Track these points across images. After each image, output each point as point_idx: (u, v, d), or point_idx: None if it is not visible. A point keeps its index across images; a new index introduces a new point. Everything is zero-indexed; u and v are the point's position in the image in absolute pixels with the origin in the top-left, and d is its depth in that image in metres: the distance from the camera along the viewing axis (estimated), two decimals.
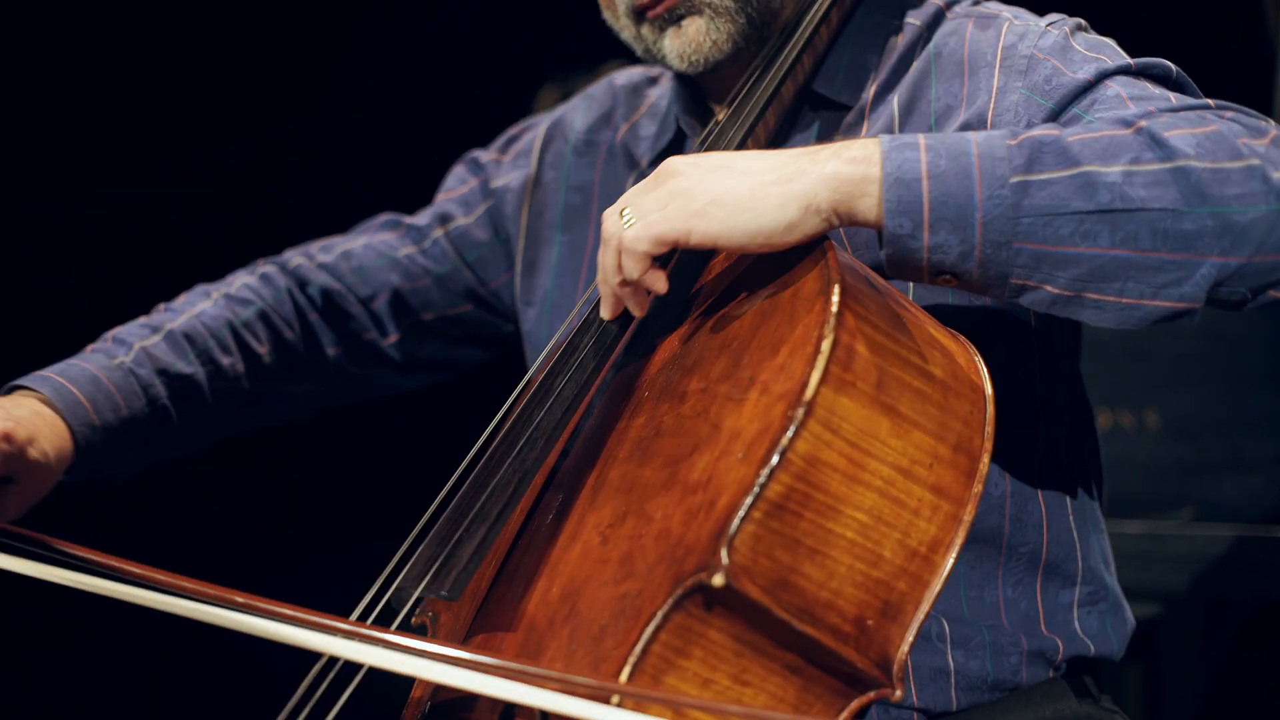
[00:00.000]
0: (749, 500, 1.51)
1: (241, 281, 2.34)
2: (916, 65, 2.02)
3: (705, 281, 1.83)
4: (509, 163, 2.40)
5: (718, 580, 1.49)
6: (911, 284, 1.89)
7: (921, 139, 1.64)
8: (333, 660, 1.65)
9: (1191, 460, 2.94)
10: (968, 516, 1.64)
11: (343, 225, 2.49)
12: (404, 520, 1.75)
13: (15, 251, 3.83)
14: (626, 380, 1.82)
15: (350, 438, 3.74)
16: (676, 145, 2.19)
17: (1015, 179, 1.60)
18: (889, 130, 1.99)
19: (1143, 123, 1.65)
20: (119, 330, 2.23)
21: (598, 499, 1.69)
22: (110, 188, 3.89)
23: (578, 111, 2.40)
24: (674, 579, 1.51)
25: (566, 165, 2.34)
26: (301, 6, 4.07)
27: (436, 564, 1.64)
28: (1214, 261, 1.61)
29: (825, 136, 2.04)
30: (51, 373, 2.09)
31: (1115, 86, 1.82)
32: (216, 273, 2.40)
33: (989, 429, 1.69)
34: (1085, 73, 1.85)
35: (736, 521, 1.50)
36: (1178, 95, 1.81)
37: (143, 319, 2.25)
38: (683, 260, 1.88)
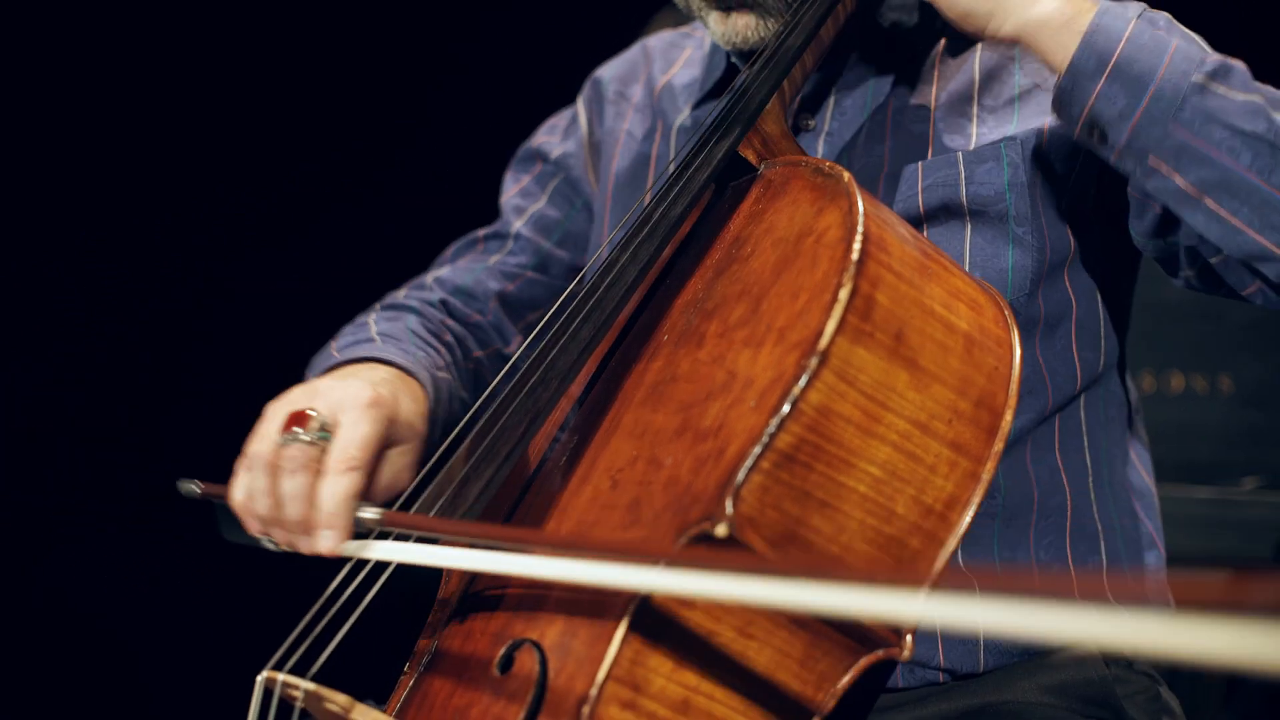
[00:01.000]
0: (757, 450, 1.48)
1: (405, 322, 2.23)
2: None
3: (735, 220, 1.79)
4: (558, 140, 2.40)
5: (721, 530, 1.46)
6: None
7: (1136, 16, 1.78)
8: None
9: (1264, 427, 2.86)
10: (987, 475, 1.60)
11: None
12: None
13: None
14: (651, 320, 1.79)
15: None
16: (726, 79, 2.15)
17: (1198, 78, 1.72)
18: (966, 88, 1.99)
19: None
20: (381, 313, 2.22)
21: (611, 442, 1.67)
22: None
23: (611, 67, 2.40)
24: (679, 528, 1.49)
25: (604, 120, 2.33)
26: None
27: (442, 500, 1.63)
28: None
29: (898, 84, 2.01)
30: (394, 350, 2.05)
31: None
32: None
33: (1014, 386, 1.64)
34: None
35: (744, 471, 1.47)
36: None
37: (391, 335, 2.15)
38: (715, 199, 1.86)
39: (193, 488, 1.80)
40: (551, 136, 2.42)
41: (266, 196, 3.98)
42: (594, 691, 1.47)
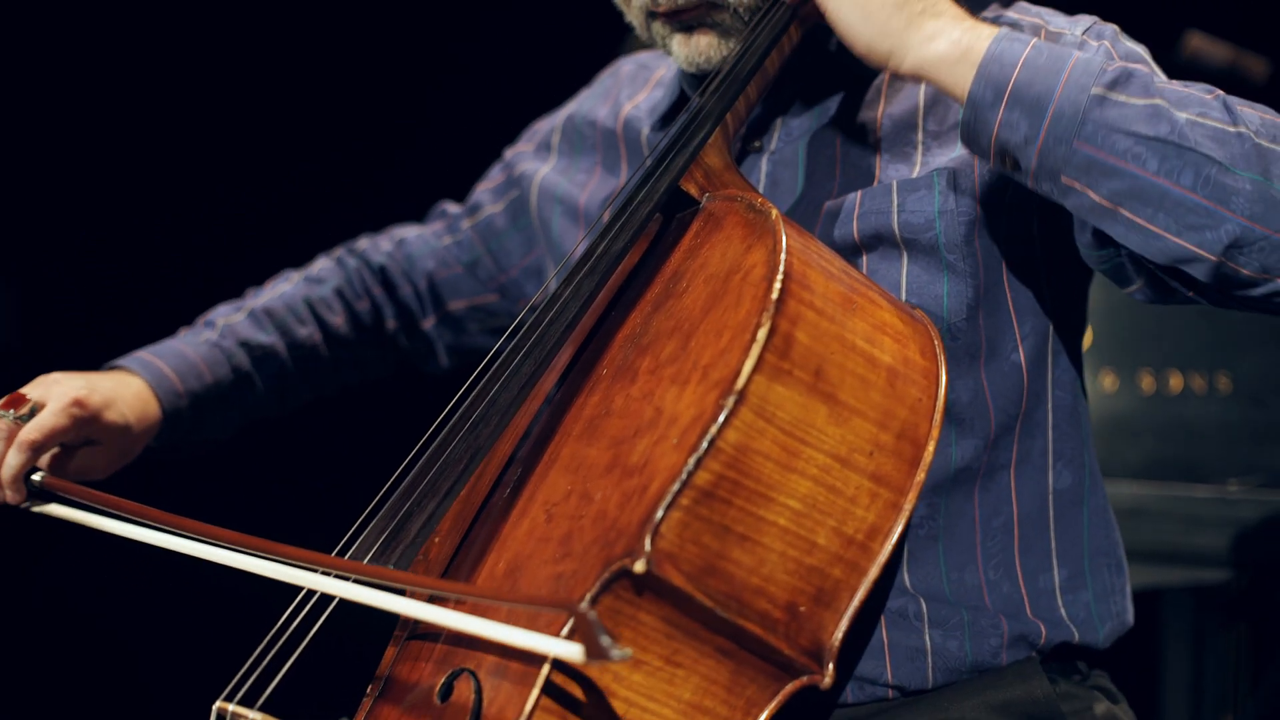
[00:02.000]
0: (676, 487, 1.53)
1: (320, 265, 2.56)
2: None
3: (675, 255, 1.84)
4: (530, 152, 2.48)
5: (639, 567, 1.52)
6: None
7: (1033, 41, 1.78)
8: (310, 594, 1.77)
9: (1263, 425, 2.83)
10: (909, 504, 1.65)
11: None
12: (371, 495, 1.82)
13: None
14: (594, 353, 1.84)
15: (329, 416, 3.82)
16: (677, 107, 2.20)
17: (1096, 91, 1.72)
18: (910, 115, 2.00)
19: (1219, 93, 1.77)
20: (207, 313, 2.48)
21: (549, 476, 1.73)
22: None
23: (587, 100, 2.45)
24: (604, 562, 1.55)
25: (576, 152, 2.39)
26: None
27: (384, 536, 1.70)
28: (1241, 221, 1.68)
29: (843, 107, 2.03)
30: (141, 351, 2.34)
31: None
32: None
33: (938, 416, 1.68)
34: None
35: (663, 509, 1.53)
36: None
37: (232, 301, 2.49)
38: (663, 229, 1.90)
39: None
40: (528, 146, 2.50)
41: (266, 196, 4.02)
42: None
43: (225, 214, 4.01)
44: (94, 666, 3.94)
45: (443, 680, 1.65)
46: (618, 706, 1.57)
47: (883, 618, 1.87)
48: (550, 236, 2.34)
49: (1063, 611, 1.94)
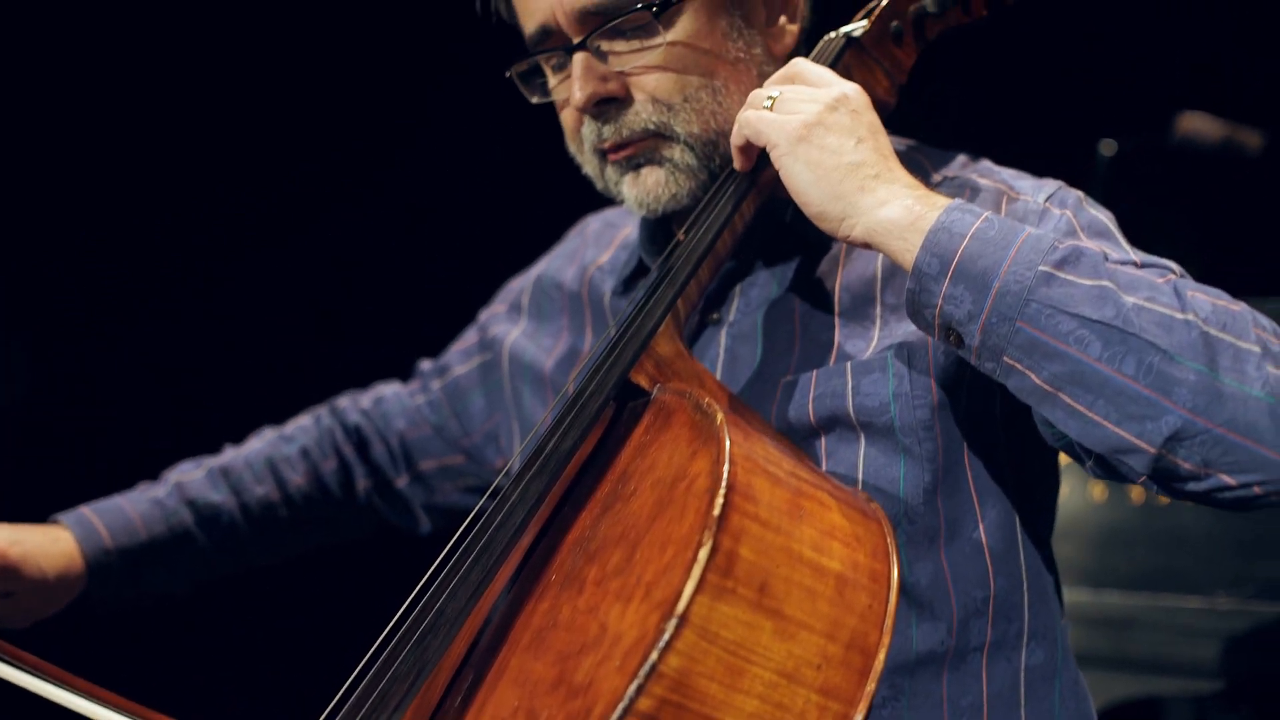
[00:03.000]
0: (618, 714, 1.52)
1: (296, 422, 2.59)
2: None
3: (625, 451, 1.83)
4: (502, 314, 2.50)
5: None
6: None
7: (985, 213, 1.74)
8: None
9: (1252, 537, 2.79)
10: (859, 715, 1.62)
11: None
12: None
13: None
14: (545, 554, 1.83)
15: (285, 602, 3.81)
16: (638, 274, 2.19)
17: (1044, 268, 1.68)
18: (868, 286, 1.98)
19: (1173, 277, 1.75)
20: (171, 468, 2.52)
21: (498, 688, 1.72)
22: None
23: (556, 260, 2.46)
24: None
25: (544, 315, 2.39)
26: None
27: None
28: (1182, 414, 1.63)
29: (799, 277, 2.02)
30: (85, 506, 2.40)
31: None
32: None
33: (889, 621, 1.66)
34: None
35: None
36: None
37: (197, 458, 2.54)
38: (616, 417, 1.89)
39: None
40: (500, 307, 2.51)
41: (266, 196, 4.05)
42: None
43: (225, 214, 4.04)
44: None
45: None
46: None
47: None
48: (521, 407, 2.35)
49: None
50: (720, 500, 1.58)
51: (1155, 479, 1.69)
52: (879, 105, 2.11)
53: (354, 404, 2.59)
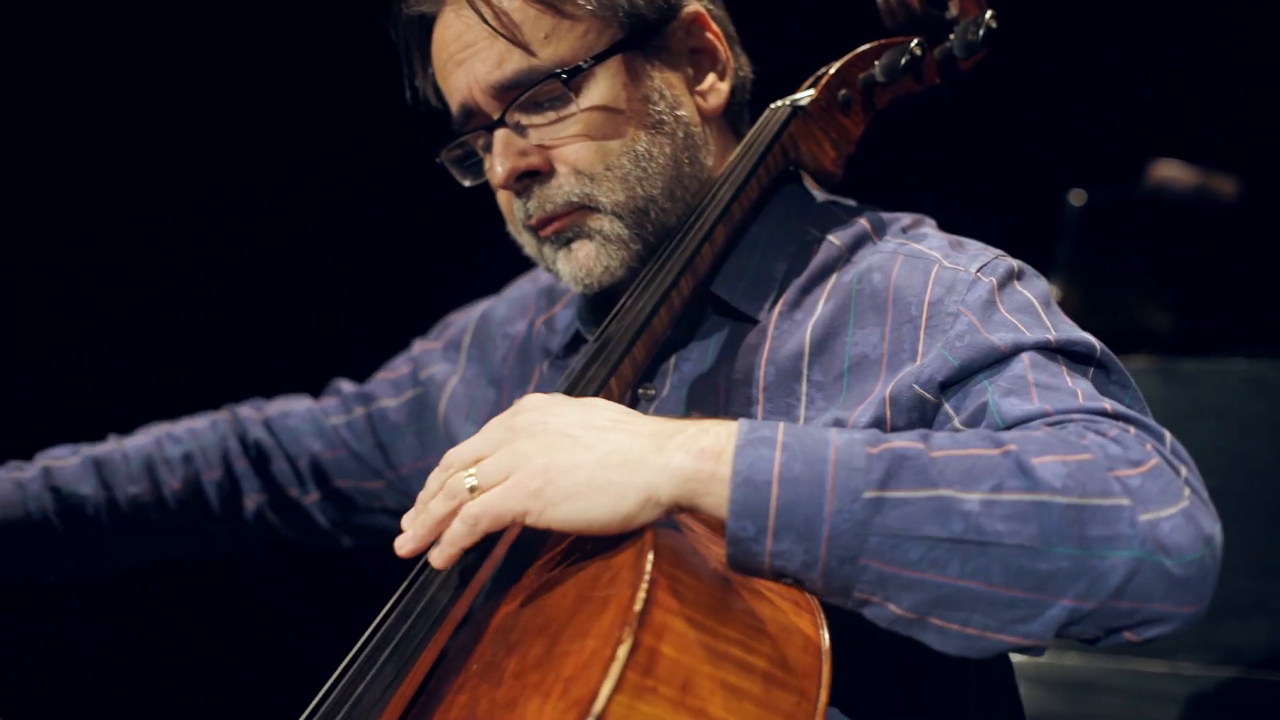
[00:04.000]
0: None
1: (188, 424, 2.50)
2: (834, 295, 1.95)
3: (555, 535, 1.80)
4: (439, 352, 2.46)
5: None
6: None
7: (780, 434, 1.58)
8: None
9: (1216, 601, 2.73)
10: None
11: None
12: None
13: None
14: (469, 640, 1.80)
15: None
16: (578, 342, 2.18)
17: (869, 494, 1.53)
18: (795, 362, 1.93)
19: (1012, 446, 1.57)
20: (47, 451, 2.43)
21: None
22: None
23: (503, 305, 2.42)
24: None
25: (488, 361, 2.36)
26: None
27: None
28: (1066, 604, 1.54)
29: (728, 351, 1.98)
30: None
31: (1025, 364, 1.75)
32: None
33: (819, 719, 1.63)
34: (1001, 339, 1.78)
35: None
36: (1086, 389, 1.72)
37: (76, 445, 2.43)
38: None
39: None
40: (437, 344, 2.47)
41: (266, 196, 4.05)
42: None
43: (225, 214, 4.05)
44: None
45: None
46: None
47: None
48: (451, 439, 2.32)
49: None
50: (642, 595, 1.55)
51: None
52: (825, 176, 2.10)
53: (256, 416, 2.52)
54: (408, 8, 2.10)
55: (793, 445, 1.56)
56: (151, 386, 4.05)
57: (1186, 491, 1.60)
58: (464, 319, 2.48)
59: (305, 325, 4.14)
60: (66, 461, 2.39)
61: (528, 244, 2.07)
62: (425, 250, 3.99)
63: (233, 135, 4.03)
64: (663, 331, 1.96)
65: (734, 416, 1.90)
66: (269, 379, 3.48)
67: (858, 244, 2.00)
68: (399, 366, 2.52)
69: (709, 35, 2.11)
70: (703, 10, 2.10)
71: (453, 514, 1.68)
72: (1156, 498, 1.56)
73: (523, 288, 2.45)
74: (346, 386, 2.56)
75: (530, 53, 1.98)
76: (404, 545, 1.74)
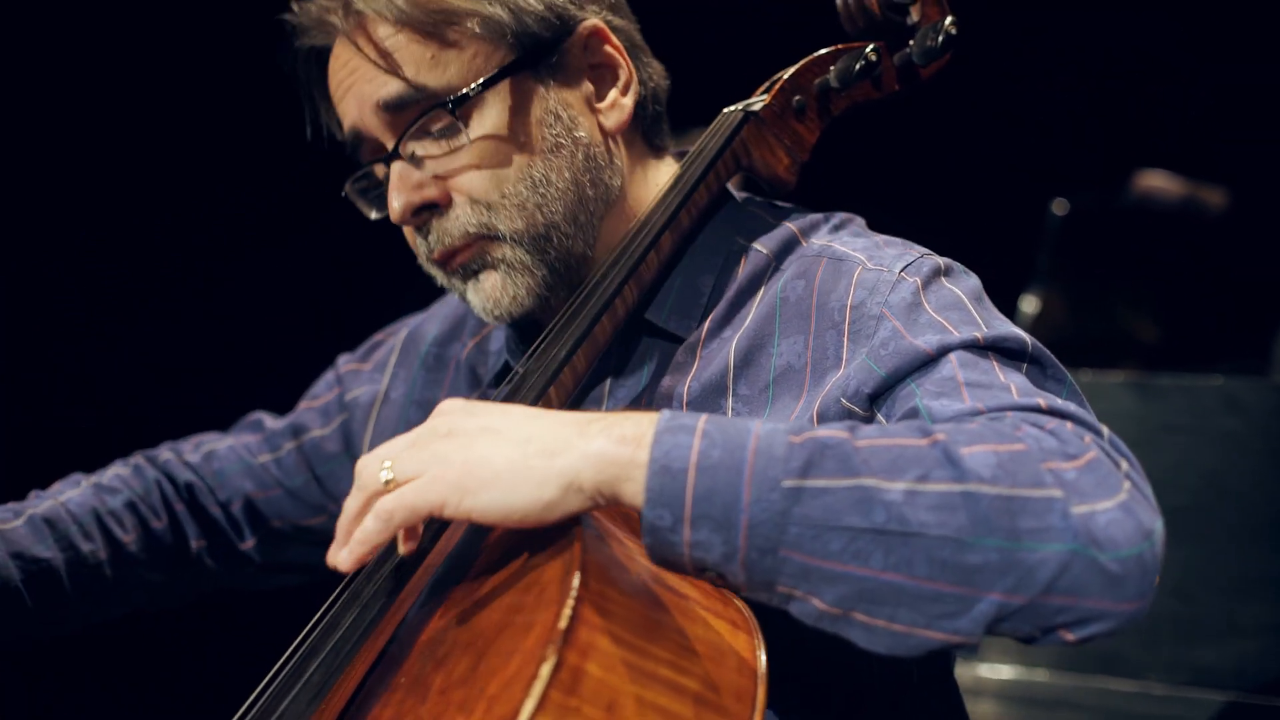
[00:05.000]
0: None
1: (113, 472, 2.37)
2: (760, 305, 1.92)
3: (486, 545, 1.76)
4: (366, 373, 2.39)
5: None
6: None
7: (702, 422, 1.53)
8: None
9: (1188, 621, 2.71)
10: None
11: None
12: None
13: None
14: (399, 651, 1.76)
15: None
16: (504, 372, 2.15)
17: (789, 483, 1.48)
18: (720, 378, 1.90)
19: (940, 435, 1.52)
20: None
21: None
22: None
23: (434, 322, 2.37)
24: None
25: (414, 380, 2.31)
26: None
27: None
28: (995, 599, 1.46)
29: (659, 373, 1.96)
30: None
31: (954, 365, 1.70)
32: None
33: None
34: (927, 342, 1.73)
35: None
36: (1020, 384, 1.67)
37: (11, 504, 2.24)
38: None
39: None
40: (364, 365, 2.41)
41: (266, 196, 4.04)
42: None
43: (225, 214, 4.07)
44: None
45: None
46: None
47: None
48: None
49: None
50: (568, 613, 1.52)
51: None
52: (779, 184, 2.06)
53: (178, 458, 2.39)
54: (300, 41, 2.08)
55: (713, 433, 1.52)
56: (151, 386, 4.08)
57: (1126, 485, 1.53)
58: (390, 339, 2.42)
59: (305, 325, 4.14)
60: (14, 523, 2.18)
61: (437, 277, 2.04)
62: None
63: (233, 135, 4.03)
64: (605, 341, 1.93)
65: None
66: (269, 379, 3.47)
67: (785, 250, 1.96)
68: (323, 393, 2.44)
69: (608, 49, 2.06)
70: (600, 24, 2.05)
71: (366, 509, 1.64)
72: (1092, 491, 1.50)
73: (451, 304, 2.39)
74: (269, 421, 2.46)
75: (415, 78, 1.95)
76: (330, 555, 1.71)
